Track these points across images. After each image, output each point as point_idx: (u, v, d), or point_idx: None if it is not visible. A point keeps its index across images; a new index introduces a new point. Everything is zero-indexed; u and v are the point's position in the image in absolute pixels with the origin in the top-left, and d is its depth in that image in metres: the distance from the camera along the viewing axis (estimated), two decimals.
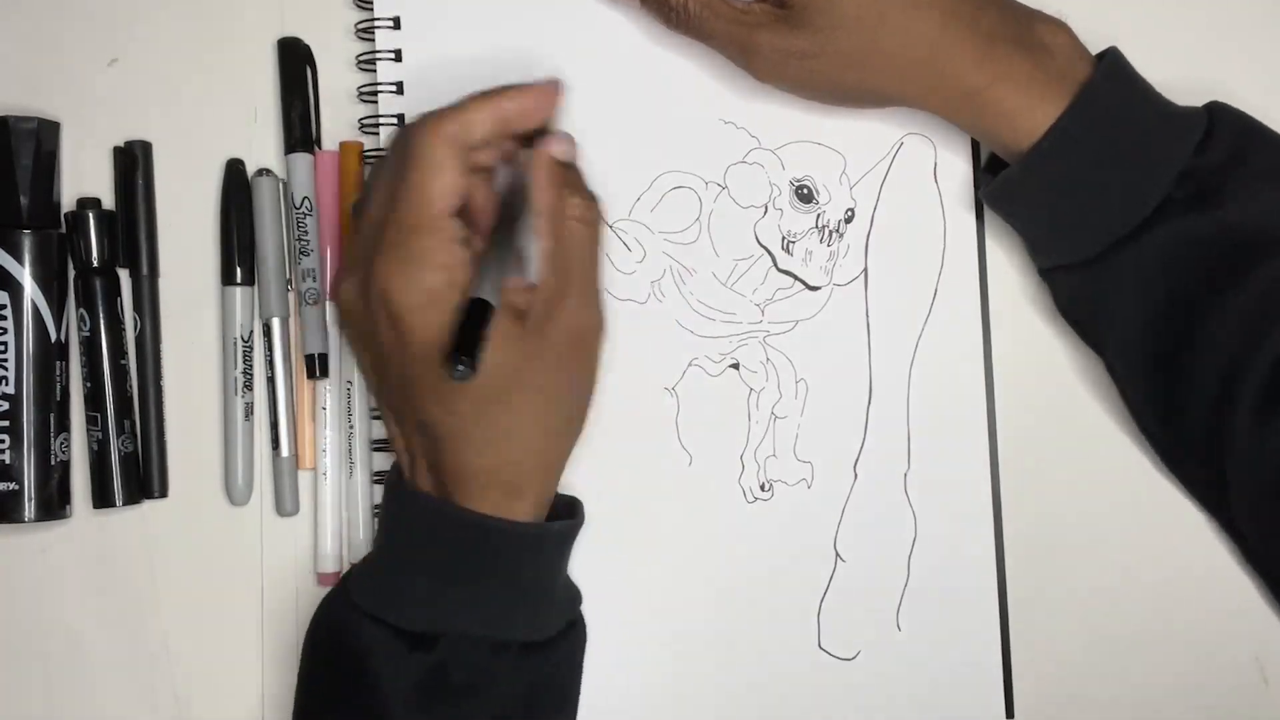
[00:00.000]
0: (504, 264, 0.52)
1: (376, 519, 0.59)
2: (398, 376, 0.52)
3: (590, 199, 0.54)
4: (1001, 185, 0.56)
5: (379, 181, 0.53)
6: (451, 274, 0.51)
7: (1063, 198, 0.55)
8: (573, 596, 0.58)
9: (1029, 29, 0.55)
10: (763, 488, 0.61)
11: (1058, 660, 0.61)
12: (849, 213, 0.61)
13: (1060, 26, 0.56)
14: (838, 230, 0.61)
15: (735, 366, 0.61)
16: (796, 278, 0.61)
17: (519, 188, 0.55)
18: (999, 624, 0.60)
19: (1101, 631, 0.61)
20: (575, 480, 0.59)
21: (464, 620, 0.53)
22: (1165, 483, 0.61)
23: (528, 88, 0.54)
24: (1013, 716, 0.60)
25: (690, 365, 0.61)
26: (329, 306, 0.61)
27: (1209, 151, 0.55)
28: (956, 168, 0.61)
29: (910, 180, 0.61)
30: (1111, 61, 0.55)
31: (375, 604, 0.53)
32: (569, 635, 0.56)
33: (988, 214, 0.61)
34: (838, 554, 0.61)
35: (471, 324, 0.48)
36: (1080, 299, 0.58)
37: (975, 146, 0.61)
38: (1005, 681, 0.60)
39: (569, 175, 0.54)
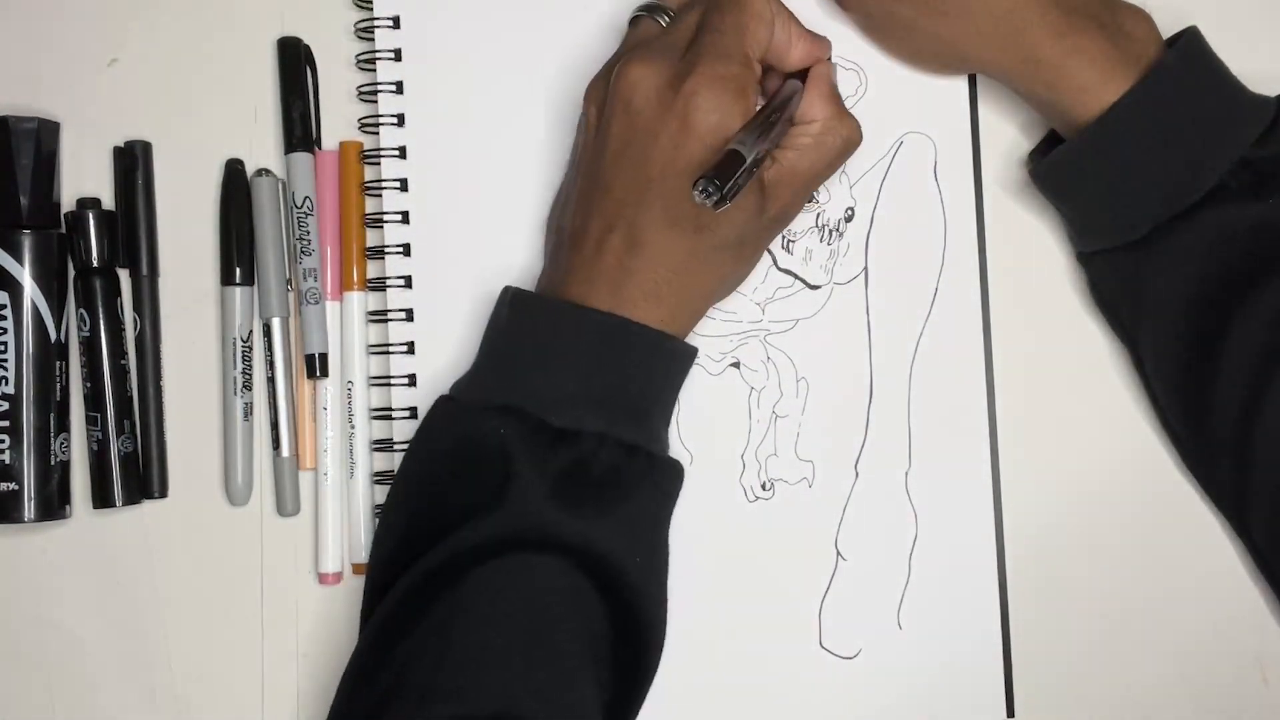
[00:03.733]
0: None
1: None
2: (645, 174, 0.53)
3: (858, 129, 0.57)
4: (1057, 160, 0.57)
5: (697, 4, 0.56)
6: (746, 111, 0.54)
7: (1117, 175, 0.56)
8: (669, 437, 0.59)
9: (1111, 12, 0.56)
10: (764, 487, 0.61)
11: (1058, 659, 0.61)
12: (849, 211, 0.62)
13: (1143, 15, 0.57)
14: (838, 229, 0.62)
15: (736, 365, 0.61)
16: (797, 276, 0.61)
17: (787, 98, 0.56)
18: (999, 623, 0.60)
19: (1101, 631, 0.61)
20: None
21: (603, 420, 0.54)
22: (1166, 482, 0.61)
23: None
24: (1013, 715, 0.60)
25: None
26: (324, 306, 0.61)
27: (1272, 142, 0.55)
28: (957, 166, 0.61)
29: (910, 179, 0.61)
30: (1189, 41, 0.56)
31: (518, 398, 0.54)
32: (677, 463, 0.57)
33: (989, 211, 0.61)
34: (839, 553, 0.61)
35: (733, 163, 0.50)
36: (1119, 284, 0.58)
37: (977, 146, 0.62)
38: (1006, 680, 0.60)
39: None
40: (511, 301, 0.56)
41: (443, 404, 0.56)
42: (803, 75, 0.57)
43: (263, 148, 0.62)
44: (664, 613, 0.57)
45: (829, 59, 0.58)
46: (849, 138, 0.57)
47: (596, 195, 0.55)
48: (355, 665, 0.53)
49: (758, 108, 0.55)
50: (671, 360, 0.56)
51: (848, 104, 0.60)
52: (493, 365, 0.56)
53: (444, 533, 0.53)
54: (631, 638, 0.54)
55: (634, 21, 0.58)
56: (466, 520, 0.53)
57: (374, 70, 0.61)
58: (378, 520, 0.59)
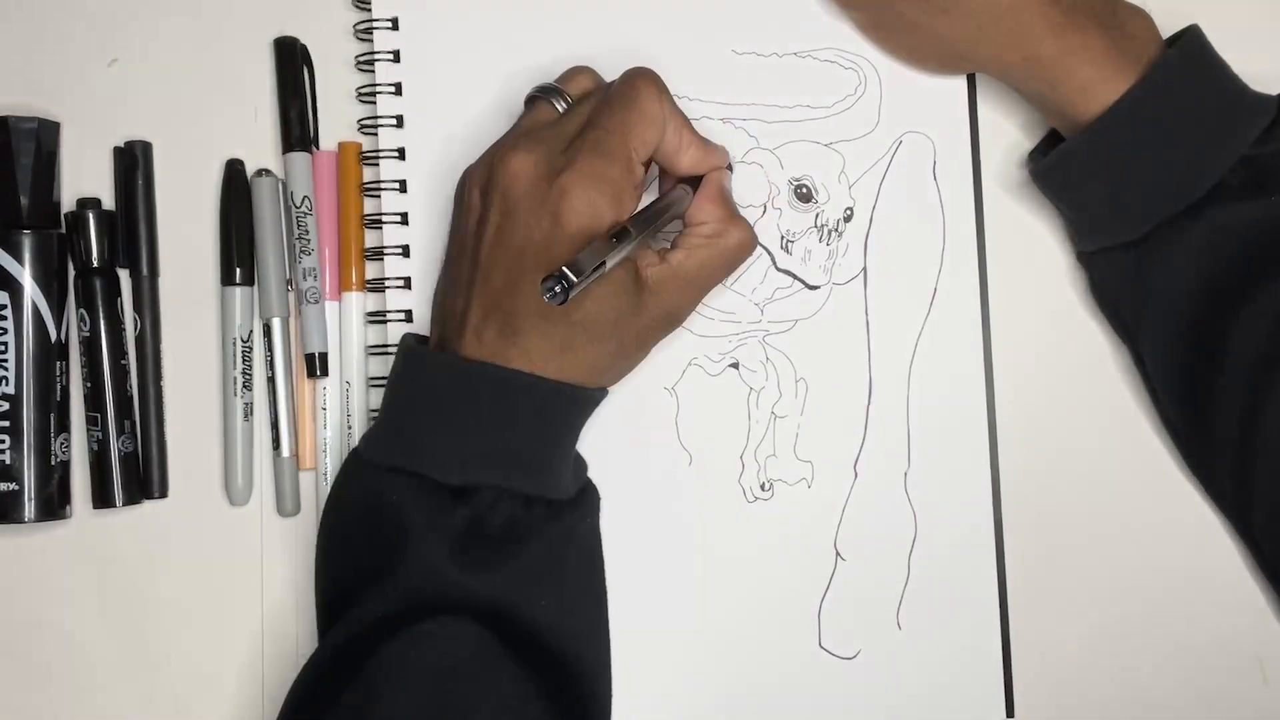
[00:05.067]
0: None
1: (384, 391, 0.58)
2: (520, 265, 0.53)
3: (751, 235, 0.57)
4: (1057, 159, 0.57)
5: (591, 101, 0.56)
6: (618, 212, 0.53)
7: (1118, 173, 0.56)
8: (581, 463, 0.58)
9: (1112, 11, 0.56)
10: (763, 487, 0.61)
11: (1058, 660, 0.61)
12: (848, 211, 0.62)
13: (1143, 14, 0.57)
14: (837, 229, 0.62)
15: (735, 366, 0.61)
16: (796, 277, 0.61)
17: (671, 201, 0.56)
18: (999, 623, 0.60)
19: (1101, 631, 0.61)
20: None
21: (498, 474, 0.53)
22: (1166, 482, 0.61)
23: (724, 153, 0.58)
24: (1013, 716, 0.60)
25: (690, 365, 0.61)
26: (324, 305, 0.61)
27: (1273, 140, 0.55)
28: (956, 166, 0.61)
29: (909, 179, 0.61)
30: (1189, 40, 0.56)
31: (412, 461, 0.54)
32: (585, 497, 0.57)
33: (989, 211, 0.61)
34: (838, 553, 0.61)
35: (578, 266, 0.50)
36: (1120, 283, 0.58)
37: (976, 145, 0.62)
38: (1005, 680, 0.60)
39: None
40: (405, 356, 0.56)
41: (352, 459, 0.56)
42: (696, 181, 0.57)
43: (263, 148, 0.62)
44: (595, 645, 0.56)
45: (727, 167, 0.58)
46: (741, 241, 0.56)
47: (477, 283, 0.54)
48: None
49: (639, 208, 0.54)
50: (566, 407, 0.55)
51: (846, 103, 0.60)
52: (389, 423, 0.56)
53: (356, 593, 0.53)
54: (560, 679, 0.54)
55: (530, 102, 0.57)
56: (369, 585, 0.53)
57: (373, 71, 0.62)
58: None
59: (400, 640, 0.51)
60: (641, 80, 0.55)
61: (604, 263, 0.51)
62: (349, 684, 0.51)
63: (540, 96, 0.57)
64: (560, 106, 0.56)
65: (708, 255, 0.55)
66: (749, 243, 0.56)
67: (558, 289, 0.49)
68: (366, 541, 0.54)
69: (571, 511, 0.56)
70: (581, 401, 0.55)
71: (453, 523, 0.53)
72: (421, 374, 0.55)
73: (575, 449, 0.57)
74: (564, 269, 0.49)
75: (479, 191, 0.55)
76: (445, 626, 0.51)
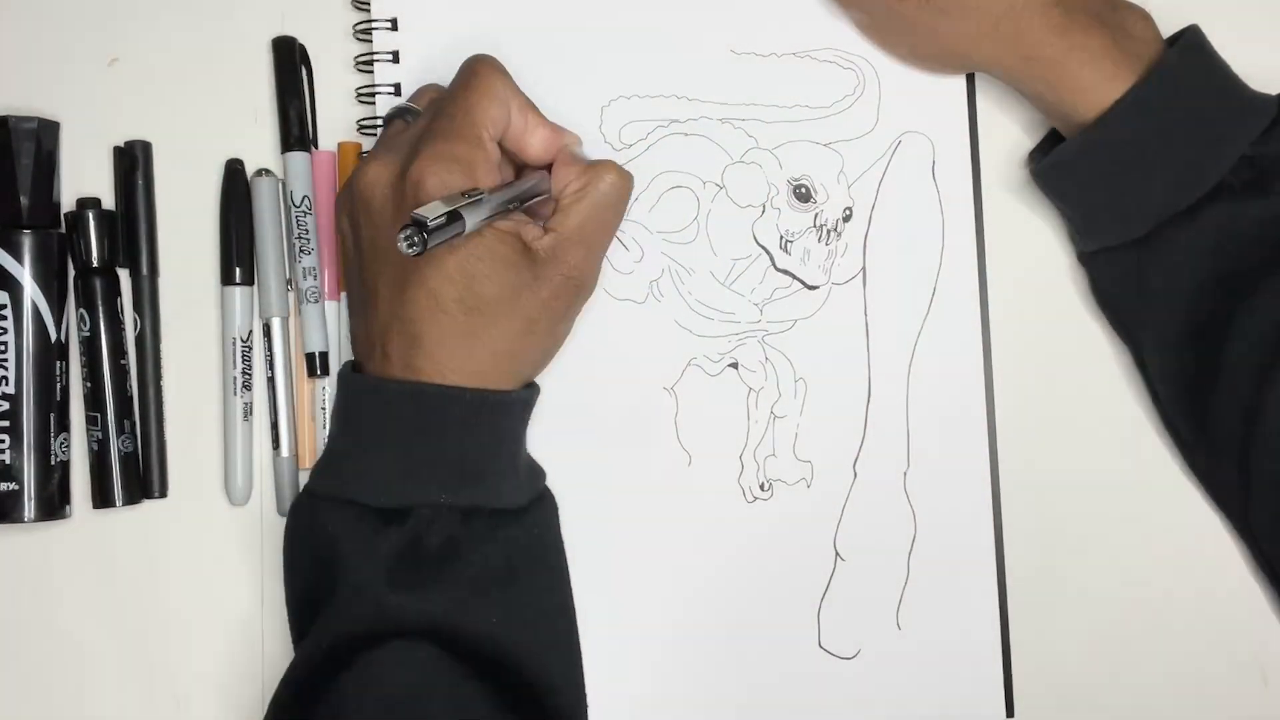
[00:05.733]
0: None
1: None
2: (399, 270, 0.53)
3: (620, 168, 0.56)
4: (1058, 159, 0.57)
5: (434, 99, 0.56)
6: (480, 185, 0.52)
7: (1120, 173, 0.56)
8: (536, 471, 0.58)
9: (1112, 10, 0.56)
10: (762, 487, 0.61)
11: (1058, 660, 0.61)
12: (847, 211, 0.61)
13: (1143, 14, 0.57)
14: (836, 229, 0.62)
15: (734, 366, 0.61)
16: (795, 277, 0.61)
17: (531, 180, 0.56)
18: (999, 623, 0.60)
19: (1101, 631, 0.61)
20: (574, 479, 0.59)
21: (432, 491, 0.53)
22: (1166, 482, 0.61)
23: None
24: (1013, 715, 0.60)
25: (689, 365, 0.61)
26: (324, 305, 0.61)
27: (1273, 140, 0.55)
28: (955, 166, 0.61)
29: (908, 178, 0.61)
30: (1190, 40, 0.56)
31: (342, 489, 0.54)
32: (539, 505, 0.57)
33: (989, 211, 0.61)
34: (837, 553, 0.61)
35: (449, 212, 0.49)
36: (1120, 283, 0.58)
37: (975, 145, 0.62)
38: (1005, 680, 0.60)
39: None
40: (339, 383, 0.56)
41: (300, 492, 0.56)
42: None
43: (263, 148, 0.62)
44: (561, 659, 0.56)
45: (573, 144, 0.58)
46: (612, 181, 0.55)
47: (369, 301, 0.54)
48: None
49: (499, 177, 0.55)
50: (491, 413, 0.54)
51: (845, 102, 0.60)
52: (327, 450, 0.56)
53: (306, 627, 0.53)
54: (529, 698, 0.53)
55: (385, 123, 0.58)
56: (316, 616, 0.53)
57: (372, 72, 0.62)
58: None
59: (353, 671, 0.51)
60: (479, 63, 0.55)
61: (461, 216, 0.50)
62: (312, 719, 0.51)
63: (393, 117, 0.57)
64: (410, 120, 0.56)
65: (586, 206, 0.55)
66: (621, 179, 0.56)
67: (416, 238, 0.48)
68: (310, 571, 0.54)
69: (518, 521, 0.55)
70: (504, 406, 0.54)
71: (388, 547, 0.52)
72: (345, 400, 0.55)
73: (525, 456, 0.57)
74: (415, 213, 0.48)
75: (346, 216, 0.56)
76: (393, 653, 0.51)
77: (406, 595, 0.52)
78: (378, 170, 0.54)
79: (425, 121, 0.55)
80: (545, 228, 0.54)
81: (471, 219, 0.50)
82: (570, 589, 0.58)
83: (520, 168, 0.58)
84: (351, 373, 0.56)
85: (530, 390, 0.56)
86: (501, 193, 0.53)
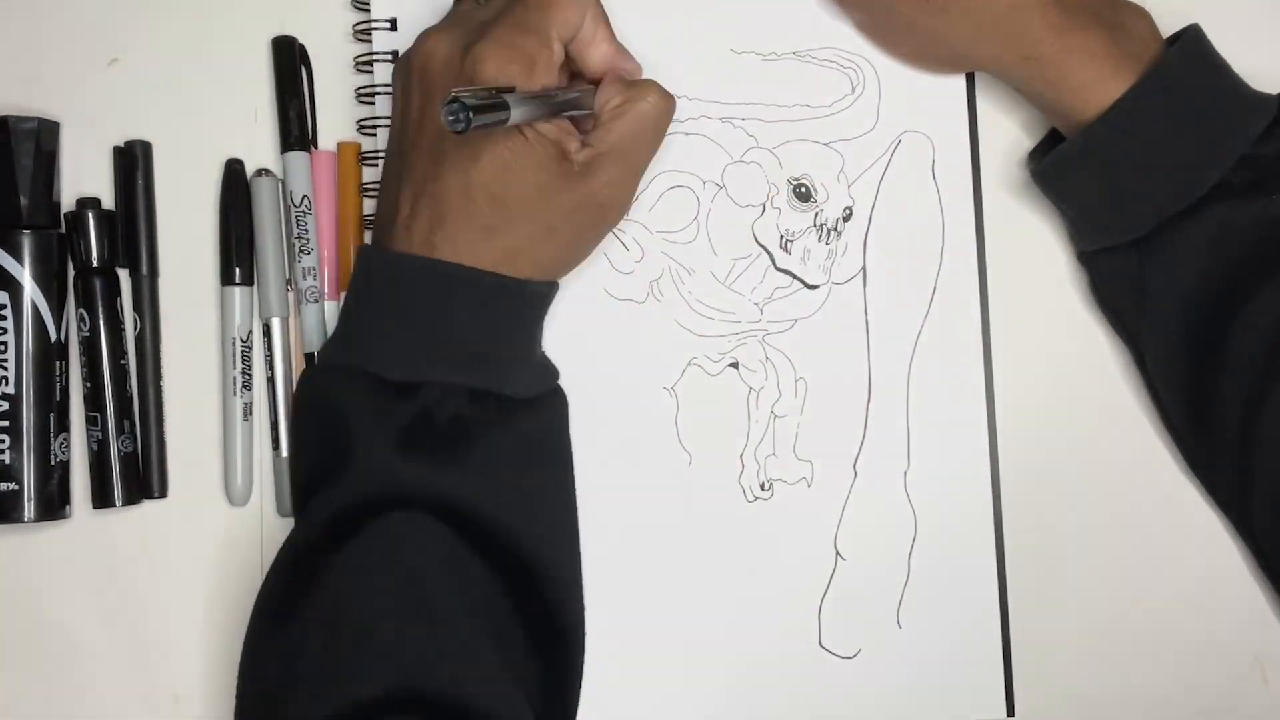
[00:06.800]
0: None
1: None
2: (439, 145, 0.53)
3: (663, 90, 0.56)
4: (1058, 159, 0.57)
5: None
6: (529, 80, 0.53)
7: (1119, 173, 0.56)
8: (550, 369, 0.58)
9: (1112, 9, 0.56)
10: (763, 487, 0.61)
11: (1058, 659, 0.61)
12: (847, 211, 0.62)
13: (1142, 13, 0.57)
14: (836, 229, 0.62)
15: (734, 365, 0.61)
16: (795, 276, 0.61)
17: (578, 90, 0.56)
18: (999, 622, 0.60)
19: (1101, 630, 0.61)
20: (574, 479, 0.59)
21: (441, 368, 0.53)
22: (1166, 482, 0.61)
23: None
24: (1013, 715, 0.60)
25: (689, 365, 0.61)
26: (324, 305, 0.61)
27: (1273, 139, 0.55)
28: (955, 165, 0.61)
29: (908, 178, 0.61)
30: (1190, 39, 0.56)
31: (354, 359, 0.54)
32: (550, 399, 0.57)
33: (989, 210, 0.61)
34: (838, 552, 0.61)
35: (494, 98, 0.49)
36: (1120, 283, 0.58)
37: (975, 145, 0.62)
38: (1006, 680, 0.60)
39: None
40: (355, 260, 0.56)
41: (307, 363, 0.57)
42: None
43: (263, 148, 0.63)
44: (564, 554, 0.56)
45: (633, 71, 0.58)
46: (654, 101, 0.55)
47: (403, 171, 0.55)
48: (247, 649, 0.53)
49: (556, 79, 0.55)
50: (507, 298, 0.54)
51: (844, 102, 0.60)
52: (340, 325, 0.56)
53: (314, 494, 0.53)
54: (524, 581, 0.54)
55: (456, 2, 0.58)
56: (325, 483, 0.53)
57: (372, 72, 0.62)
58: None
59: (364, 537, 0.51)
60: None
61: (507, 105, 0.49)
62: (316, 586, 0.51)
63: None
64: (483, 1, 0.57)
65: (626, 125, 0.55)
66: (662, 99, 0.56)
67: (461, 114, 0.48)
68: (319, 443, 0.54)
69: (527, 410, 0.55)
70: (522, 295, 0.55)
71: (398, 418, 0.53)
72: (362, 273, 0.55)
73: (540, 353, 0.57)
74: (458, 90, 0.48)
75: (401, 82, 0.56)
76: (406, 525, 0.52)
77: (417, 467, 0.52)
78: (439, 41, 0.54)
79: (498, 8, 0.55)
80: (583, 141, 0.55)
81: (517, 112, 0.50)
82: (574, 488, 0.58)
83: (572, 75, 0.58)
84: (372, 248, 0.56)
85: (549, 285, 0.56)
86: (551, 95, 0.53)
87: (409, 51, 0.56)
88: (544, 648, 0.54)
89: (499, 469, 0.54)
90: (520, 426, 0.55)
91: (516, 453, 0.55)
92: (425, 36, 0.55)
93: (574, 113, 0.55)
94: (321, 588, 0.51)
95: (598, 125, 0.55)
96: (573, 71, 0.57)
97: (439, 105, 0.49)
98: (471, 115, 0.48)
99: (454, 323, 0.53)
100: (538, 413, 0.56)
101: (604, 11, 0.56)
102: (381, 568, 0.51)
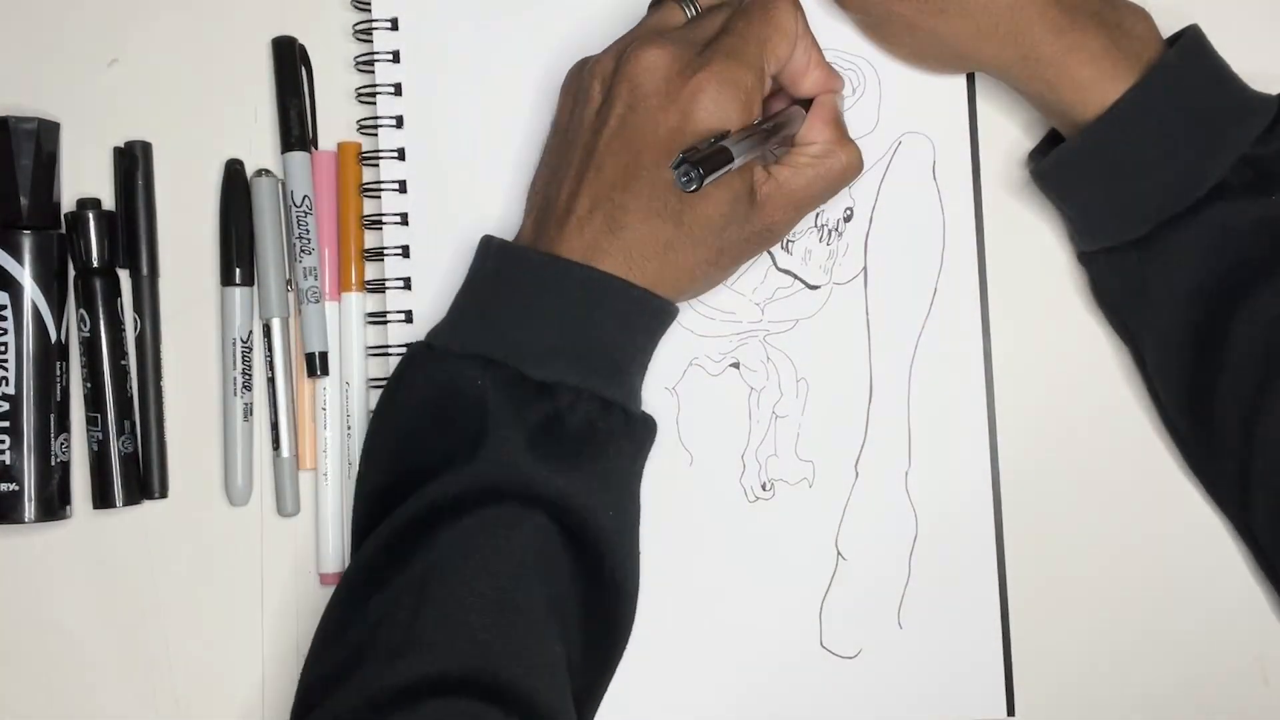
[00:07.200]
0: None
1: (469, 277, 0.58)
2: (637, 159, 0.54)
3: (860, 157, 0.57)
4: (1058, 159, 0.57)
5: (728, 4, 0.57)
6: (745, 119, 0.54)
7: (1119, 173, 0.56)
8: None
9: (1112, 10, 0.56)
10: (764, 487, 0.61)
11: (1058, 659, 0.61)
12: (848, 211, 0.62)
13: (1143, 14, 0.57)
14: (837, 229, 0.62)
15: (736, 366, 0.61)
16: (796, 277, 0.61)
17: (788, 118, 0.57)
18: (1000, 622, 0.60)
19: (1102, 630, 0.61)
20: None
21: (578, 374, 0.54)
22: (1167, 482, 0.61)
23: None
24: (1014, 715, 0.60)
25: (690, 365, 0.61)
26: (324, 305, 0.61)
27: (1273, 140, 0.55)
28: (955, 166, 0.61)
29: (909, 178, 0.61)
30: (1190, 39, 0.56)
31: (496, 350, 0.54)
32: (649, 421, 0.57)
33: (989, 210, 0.61)
34: (839, 552, 0.61)
35: (718, 153, 0.51)
36: (1120, 283, 0.58)
37: (975, 145, 0.62)
38: (1006, 679, 0.60)
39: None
40: (496, 252, 0.56)
41: (422, 351, 0.56)
42: (807, 104, 0.57)
43: (263, 148, 0.62)
44: (635, 568, 0.57)
45: (839, 92, 0.58)
46: (849, 163, 0.57)
47: (589, 172, 0.55)
48: (328, 619, 0.53)
49: (757, 120, 0.55)
50: (652, 317, 0.56)
51: (845, 102, 0.60)
52: (473, 315, 0.56)
53: (423, 480, 0.53)
54: (604, 592, 0.54)
55: (656, 3, 0.58)
56: (444, 469, 0.53)
57: (372, 72, 0.62)
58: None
59: (468, 521, 0.52)
60: None
61: (731, 156, 0.51)
62: (413, 556, 0.52)
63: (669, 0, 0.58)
64: (689, 12, 0.57)
65: (814, 175, 0.56)
66: (856, 165, 0.57)
67: (693, 173, 0.50)
68: (441, 428, 0.54)
69: (641, 426, 0.56)
70: (665, 314, 0.56)
71: (533, 416, 0.53)
72: (509, 269, 0.55)
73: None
74: (693, 156, 0.50)
75: (600, 83, 0.56)
76: (519, 517, 0.52)
77: (542, 464, 0.53)
78: (659, 56, 0.54)
79: (715, 28, 0.55)
80: (769, 171, 0.55)
81: (738, 161, 0.52)
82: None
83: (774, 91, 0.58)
84: (512, 246, 0.56)
85: (677, 308, 0.57)
86: (759, 127, 0.54)
87: (619, 57, 0.55)
88: (596, 657, 0.55)
89: (610, 479, 0.55)
90: (636, 442, 0.56)
91: (629, 468, 0.56)
92: (644, 47, 0.54)
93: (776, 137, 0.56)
94: (422, 562, 0.51)
95: (791, 162, 0.56)
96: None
97: (649, 119, 0.52)
98: (703, 174, 0.50)
99: (602, 332, 0.54)
100: (647, 429, 0.57)
101: (813, 37, 0.57)
102: (482, 551, 0.52)
